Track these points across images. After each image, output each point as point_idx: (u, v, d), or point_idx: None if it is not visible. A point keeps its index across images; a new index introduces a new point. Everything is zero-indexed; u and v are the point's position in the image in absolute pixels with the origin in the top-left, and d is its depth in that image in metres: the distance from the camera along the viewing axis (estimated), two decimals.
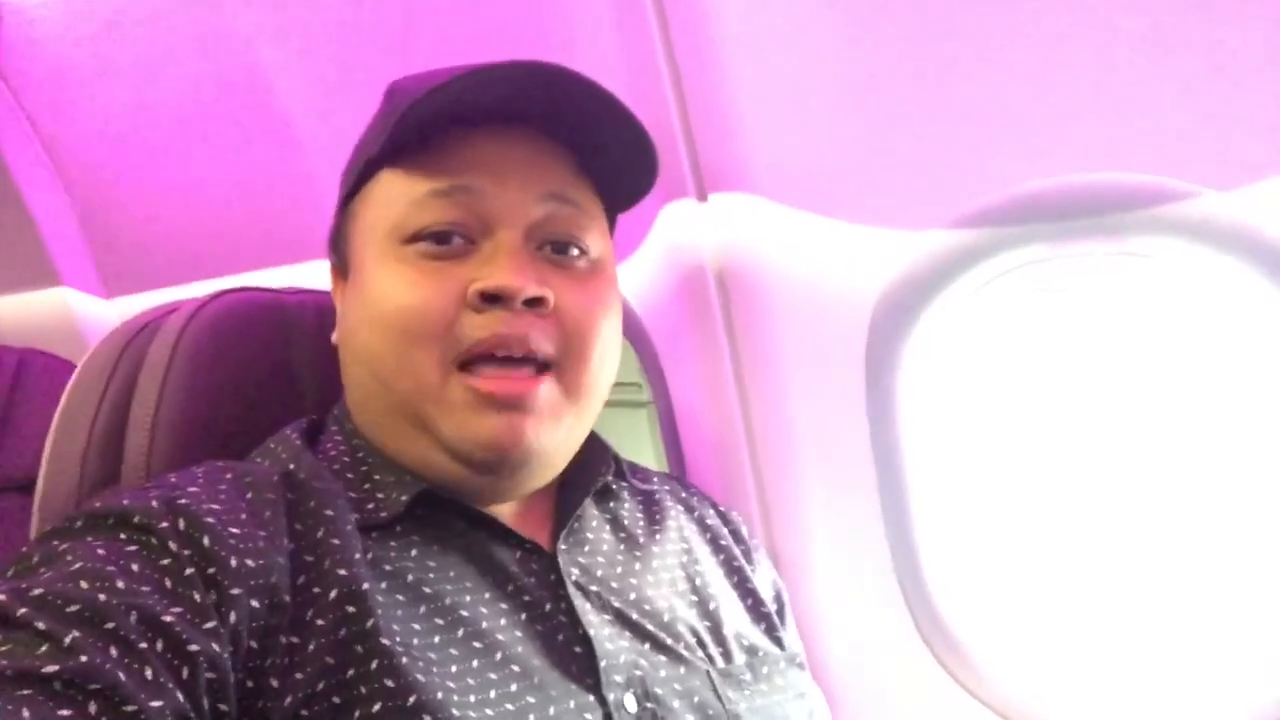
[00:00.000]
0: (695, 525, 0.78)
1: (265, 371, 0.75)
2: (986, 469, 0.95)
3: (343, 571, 0.55)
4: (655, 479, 0.81)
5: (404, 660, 0.52)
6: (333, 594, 0.54)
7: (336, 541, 0.57)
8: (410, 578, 0.59)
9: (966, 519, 0.94)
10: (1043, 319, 0.89)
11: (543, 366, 0.63)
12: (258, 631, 0.51)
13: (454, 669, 0.55)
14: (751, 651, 0.70)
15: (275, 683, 0.51)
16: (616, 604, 0.65)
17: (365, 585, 0.55)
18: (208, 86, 1.39)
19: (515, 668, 0.57)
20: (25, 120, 1.69)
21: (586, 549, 0.68)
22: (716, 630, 0.69)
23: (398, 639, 0.54)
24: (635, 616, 0.65)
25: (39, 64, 1.59)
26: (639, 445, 1.25)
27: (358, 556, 0.57)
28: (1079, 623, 0.93)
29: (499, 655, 0.57)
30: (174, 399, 0.69)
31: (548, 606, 0.62)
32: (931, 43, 0.77)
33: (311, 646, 0.52)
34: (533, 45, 0.96)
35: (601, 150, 0.67)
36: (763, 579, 0.79)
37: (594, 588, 0.65)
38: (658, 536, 0.73)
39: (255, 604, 0.52)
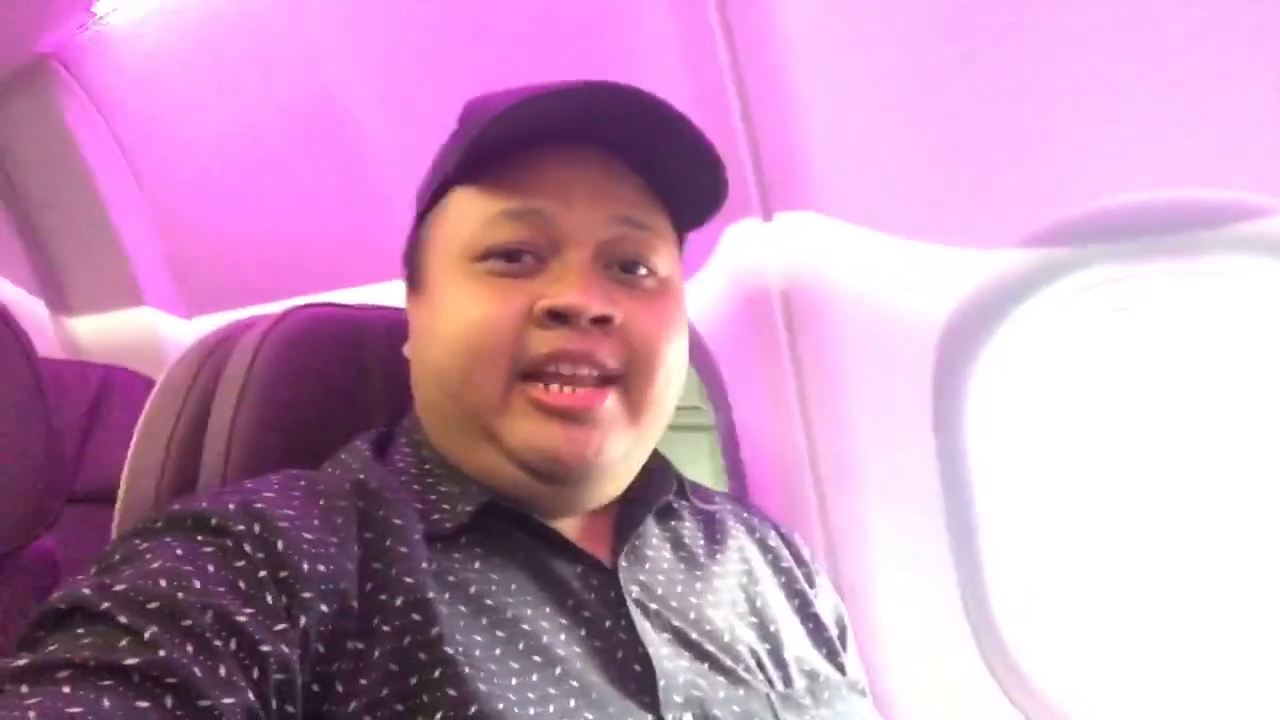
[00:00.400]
0: (757, 546, 0.77)
1: (338, 384, 0.77)
2: (1057, 495, 0.92)
3: (409, 580, 0.56)
4: (717, 499, 0.80)
5: (466, 670, 0.53)
6: (398, 601, 0.55)
7: (404, 550, 0.58)
8: (473, 589, 0.59)
9: (1036, 546, 0.92)
10: (1117, 340, 0.86)
11: (607, 380, 0.64)
12: (326, 636, 0.53)
13: (514, 681, 0.55)
14: (812, 676, 0.69)
15: (340, 687, 0.52)
16: (676, 623, 0.65)
17: (430, 594, 0.56)
18: (286, 111, 1.43)
19: (574, 683, 0.57)
20: (114, 144, 1.76)
21: (647, 567, 0.68)
22: (776, 653, 0.68)
23: (460, 649, 0.54)
24: (694, 636, 0.65)
25: (127, 90, 1.66)
26: (698, 469, 1.25)
27: (424, 566, 0.58)
28: (1155, 655, 0.90)
29: (558, 670, 0.57)
30: (250, 411, 0.71)
31: (607, 623, 0.62)
32: (1002, 57, 0.76)
33: (377, 653, 0.53)
34: (598, 62, 0.97)
35: (671, 170, 0.68)
36: (825, 603, 0.78)
37: (653, 606, 0.65)
38: (718, 556, 0.73)
39: (325, 608, 0.53)
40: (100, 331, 2.08)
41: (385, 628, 0.54)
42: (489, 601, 0.59)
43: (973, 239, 0.84)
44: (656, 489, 0.72)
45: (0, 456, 0.60)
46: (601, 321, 0.62)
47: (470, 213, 0.65)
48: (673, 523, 0.74)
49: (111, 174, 1.81)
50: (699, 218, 0.73)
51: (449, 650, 0.53)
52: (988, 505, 0.90)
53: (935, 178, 0.83)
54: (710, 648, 0.64)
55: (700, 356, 1.05)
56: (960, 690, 0.91)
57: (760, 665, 0.67)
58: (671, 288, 0.69)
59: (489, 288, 0.63)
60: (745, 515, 0.81)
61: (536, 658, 0.57)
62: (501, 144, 0.64)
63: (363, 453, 0.68)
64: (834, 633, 0.76)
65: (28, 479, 0.61)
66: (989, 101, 0.79)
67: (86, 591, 0.49)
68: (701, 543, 0.74)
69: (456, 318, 0.63)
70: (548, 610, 0.61)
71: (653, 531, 0.72)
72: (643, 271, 0.67)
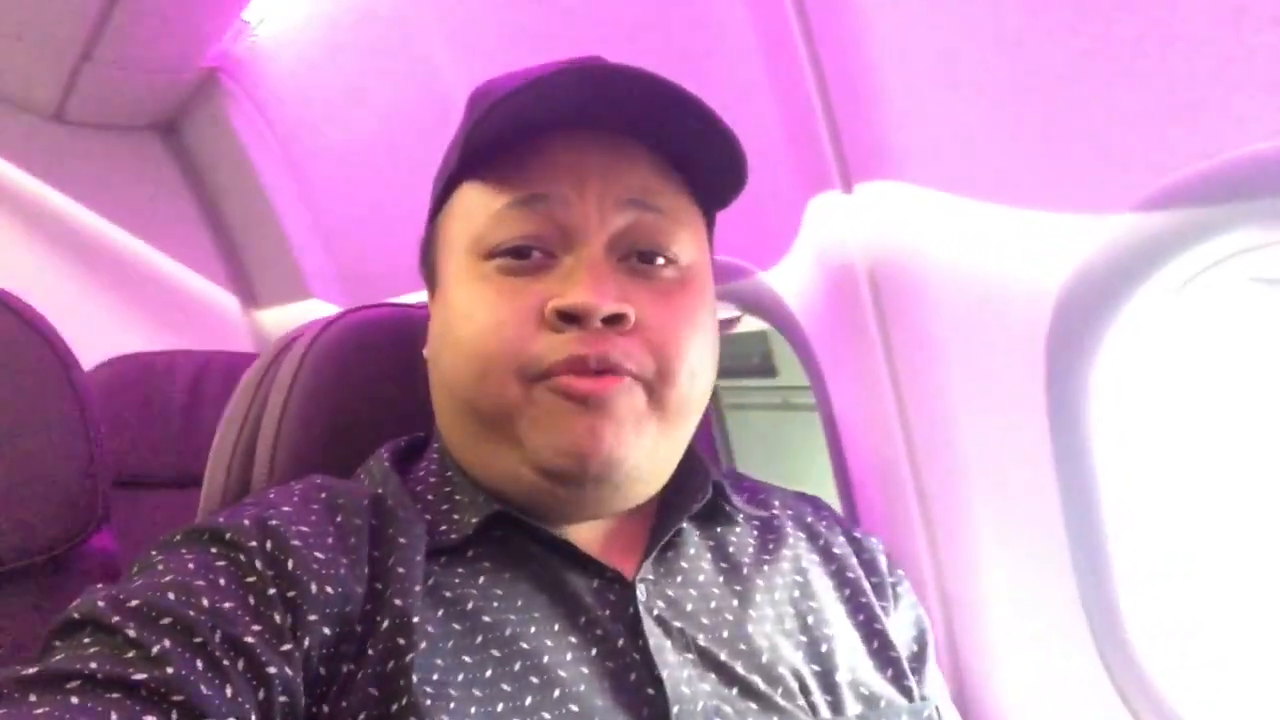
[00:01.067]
0: (818, 555, 0.70)
1: (386, 386, 0.76)
2: (1197, 495, 0.79)
3: (398, 601, 0.54)
4: (777, 502, 0.74)
5: (428, 703, 0.50)
6: (385, 624, 0.53)
7: (401, 570, 0.56)
8: (470, 605, 0.57)
9: (1173, 552, 0.79)
10: (1260, 317, 0.73)
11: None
12: (326, 659, 0.52)
13: (500, 707, 0.52)
14: (870, 702, 0.62)
15: (328, 709, 0.51)
16: (703, 642, 0.60)
17: (415, 617, 0.54)
18: (413, 116, 1.46)
19: (573, 707, 0.54)
20: (277, 147, 1.87)
21: (678, 579, 0.63)
22: (827, 675, 0.62)
23: (435, 675, 0.52)
24: (723, 657, 0.59)
25: (284, 96, 1.76)
26: (814, 451, 1.18)
27: (417, 588, 0.55)
28: None
29: (557, 692, 0.54)
30: (295, 413, 0.72)
31: (620, 642, 0.58)
32: None
33: (360, 676, 0.52)
34: (674, 41, 0.92)
35: (689, 148, 0.63)
36: (900, 619, 0.71)
37: (678, 623, 0.60)
38: (766, 568, 0.67)
39: (328, 631, 0.52)
40: (280, 324, 2.24)
41: (371, 651, 0.53)
42: (487, 618, 0.57)
43: (1080, 202, 0.72)
44: (689, 495, 0.67)
45: (40, 468, 0.63)
46: (615, 320, 0.58)
47: (477, 208, 0.62)
48: (719, 529, 0.69)
49: (276, 175, 1.93)
50: (723, 197, 0.67)
51: (415, 678, 0.51)
52: (1115, 507, 0.79)
53: (1033, 133, 0.72)
54: (742, 670, 0.59)
55: (798, 342, 0.98)
56: (1077, 706, 0.80)
57: (805, 689, 0.61)
58: (694, 277, 0.64)
59: (497, 289, 0.60)
60: (809, 519, 0.74)
61: (534, 678, 0.54)
62: (504, 132, 0.60)
63: (382, 463, 0.66)
64: (905, 652, 0.68)
65: (69, 488, 0.64)
66: (1094, 39, 0.67)
67: (100, 604, 0.49)
68: (750, 551, 0.68)
69: (466, 323, 0.60)
70: (556, 627, 0.58)
71: (692, 540, 0.67)
72: (661, 261, 0.62)
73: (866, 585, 0.70)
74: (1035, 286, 0.77)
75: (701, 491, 0.67)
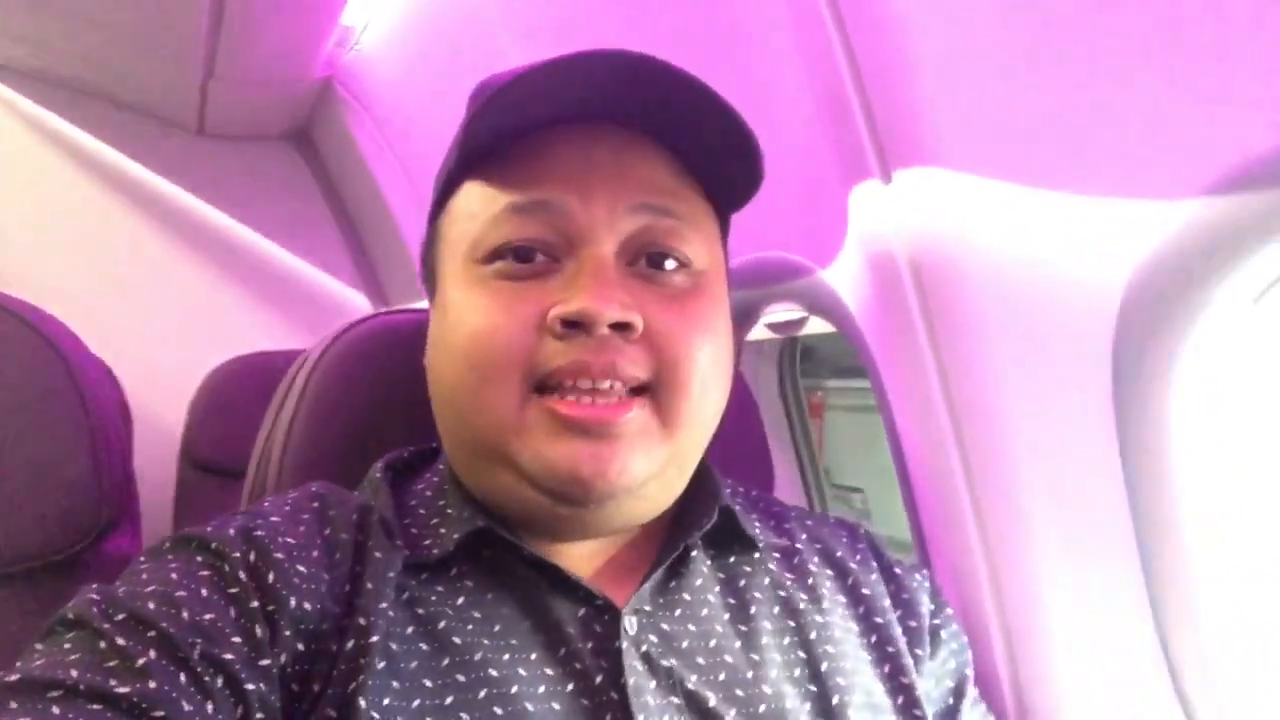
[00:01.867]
0: (844, 595, 0.64)
1: (396, 394, 0.75)
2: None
3: (362, 620, 0.52)
4: (806, 532, 0.68)
5: None
6: (349, 645, 0.52)
7: (371, 586, 0.54)
8: (442, 625, 0.54)
9: (1268, 583, 0.68)
10: None
11: (636, 391, 0.56)
12: (299, 676, 0.51)
13: None
14: None
15: None
16: (693, 685, 0.55)
17: (375, 637, 0.51)
18: None
19: None
20: (388, 148, 1.93)
21: (677, 613, 0.58)
22: None
23: (386, 700, 0.50)
24: (713, 703, 0.54)
25: (391, 99, 1.80)
26: (879, 454, 1.10)
27: (383, 605, 0.53)
28: None
29: None
30: (303, 419, 0.72)
31: (599, 679, 0.54)
32: None
33: (323, 696, 0.50)
34: (724, 31, 0.87)
35: (703, 145, 0.58)
36: (936, 666, 0.64)
37: (667, 662, 0.55)
38: (779, 607, 0.61)
39: (301, 648, 0.51)
40: None
41: (334, 671, 0.51)
42: (457, 640, 0.54)
43: (1144, 186, 0.63)
44: (697, 518, 0.62)
45: (46, 472, 0.65)
46: (622, 328, 0.54)
47: (476, 209, 0.59)
48: (734, 559, 0.63)
49: (392, 178, 1.99)
50: (738, 199, 0.62)
51: (362, 703, 0.49)
52: (1200, 531, 0.69)
53: (1085, 110, 0.63)
54: (734, 718, 0.54)
55: (858, 342, 0.91)
56: None
57: None
58: (707, 282, 0.60)
59: (496, 294, 0.57)
60: (838, 553, 0.67)
61: (497, 709, 0.51)
62: (504, 128, 0.57)
63: (374, 476, 0.64)
64: (937, 706, 0.62)
65: (75, 491, 0.66)
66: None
67: (93, 608, 0.49)
68: (765, 586, 0.62)
69: (461, 330, 0.57)
70: (533, 657, 0.54)
71: (700, 570, 0.61)
72: (671, 266, 0.58)
73: (897, 631, 0.63)
74: (1098, 279, 0.68)
75: (707, 518, 0.62)
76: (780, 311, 1.10)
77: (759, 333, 1.19)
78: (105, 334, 1.87)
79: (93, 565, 0.67)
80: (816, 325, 1.09)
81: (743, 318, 1.15)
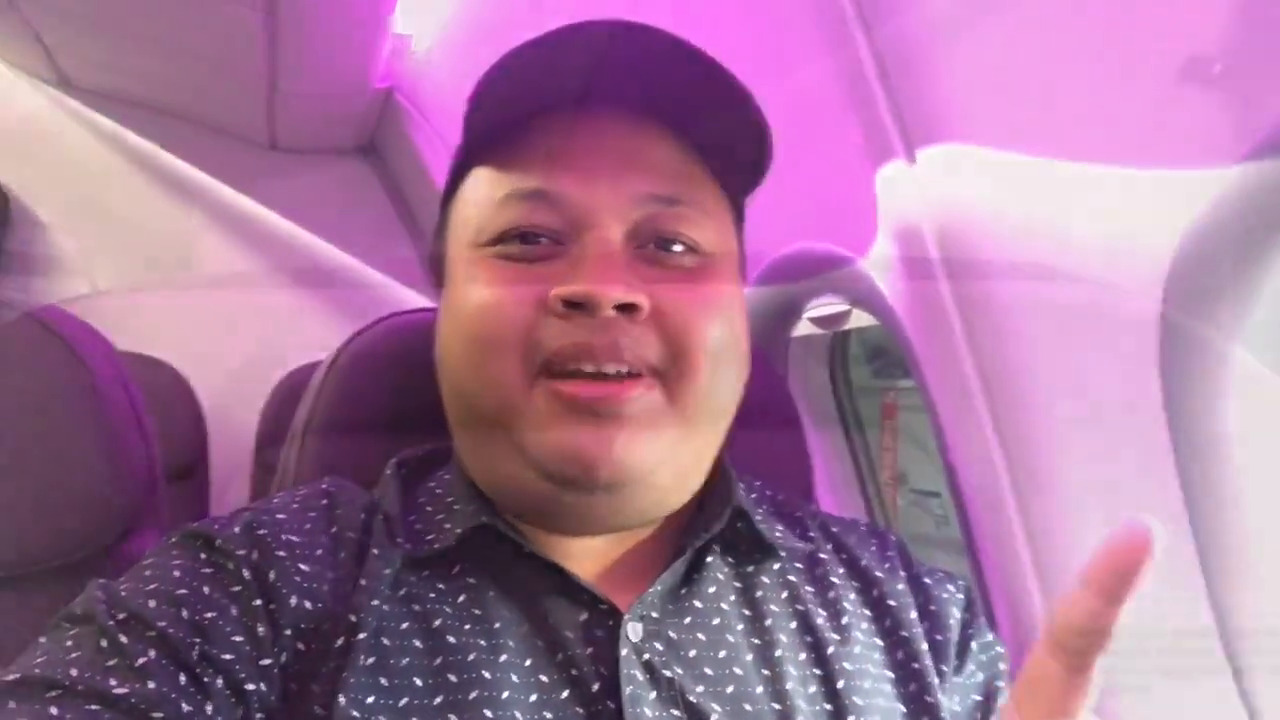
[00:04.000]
0: (868, 607, 0.60)
1: (412, 393, 0.74)
2: None
3: (352, 617, 0.51)
4: (831, 539, 0.64)
5: None
6: (338, 643, 0.51)
7: (364, 582, 0.53)
8: (437, 623, 0.53)
9: None
10: None
11: (646, 373, 0.53)
12: (298, 675, 0.50)
13: None
14: None
15: None
16: (697, 698, 0.52)
17: (361, 635, 0.50)
18: None
19: None
20: (448, 156, 1.94)
21: (687, 620, 0.56)
22: None
23: (370, 699, 0.49)
24: (717, 716, 0.51)
25: (449, 101, 1.81)
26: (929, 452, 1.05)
27: (375, 602, 0.52)
28: None
29: None
30: (319, 420, 0.72)
31: (596, 687, 0.51)
32: None
33: (315, 695, 0.49)
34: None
35: (713, 125, 0.56)
36: (961, 681, 0.60)
37: (670, 673, 0.52)
38: (795, 620, 0.58)
39: (300, 647, 0.51)
40: None
41: (324, 669, 0.50)
42: (451, 639, 0.52)
43: (1185, 154, 0.58)
44: (709, 518, 0.59)
45: (65, 473, 0.66)
46: (627, 309, 0.52)
47: (480, 195, 0.58)
48: (752, 567, 0.60)
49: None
50: (749, 184, 0.60)
51: (342, 700, 0.48)
52: (1269, 542, 0.63)
53: (1117, 73, 0.59)
54: None
55: (899, 335, 0.87)
56: None
57: None
58: (717, 264, 0.57)
59: (498, 274, 0.55)
60: (864, 562, 0.63)
61: (487, 712, 0.49)
62: (506, 111, 0.56)
63: (385, 472, 0.63)
64: None
65: (95, 492, 0.67)
66: None
67: (99, 606, 0.49)
68: (783, 597, 0.59)
69: (464, 310, 0.56)
70: (528, 662, 0.52)
71: (715, 576, 0.58)
72: (679, 248, 0.56)
73: (923, 647, 0.59)
74: (1139, 257, 0.63)
75: (718, 519, 0.59)
76: (824, 305, 1.06)
77: (804, 329, 1.16)
78: (186, 345, 1.95)
79: (111, 569, 0.68)
80: (859, 319, 1.05)
81: (786, 313, 1.12)
